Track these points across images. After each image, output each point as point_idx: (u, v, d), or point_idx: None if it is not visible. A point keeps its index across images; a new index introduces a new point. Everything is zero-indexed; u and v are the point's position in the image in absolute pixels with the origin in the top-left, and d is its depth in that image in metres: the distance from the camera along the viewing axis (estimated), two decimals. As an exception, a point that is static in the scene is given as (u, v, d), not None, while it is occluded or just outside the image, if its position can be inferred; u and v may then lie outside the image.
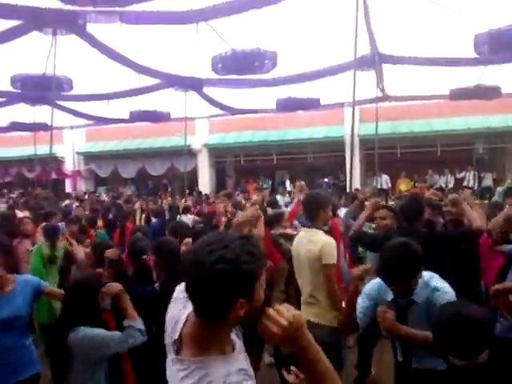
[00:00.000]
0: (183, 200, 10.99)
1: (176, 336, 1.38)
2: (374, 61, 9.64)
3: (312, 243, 3.40)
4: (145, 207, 10.08)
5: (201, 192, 15.67)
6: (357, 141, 14.64)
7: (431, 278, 2.51)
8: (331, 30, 8.90)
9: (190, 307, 1.39)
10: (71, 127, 18.84)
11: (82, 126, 18.43)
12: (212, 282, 1.23)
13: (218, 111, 14.85)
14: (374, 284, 2.70)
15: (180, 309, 1.46)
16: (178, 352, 1.36)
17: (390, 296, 2.54)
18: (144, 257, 3.67)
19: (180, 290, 1.53)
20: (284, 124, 17.38)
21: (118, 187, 19.63)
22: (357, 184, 15.44)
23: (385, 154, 14.13)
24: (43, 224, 5.87)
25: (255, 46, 7.73)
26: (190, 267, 1.27)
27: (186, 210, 8.38)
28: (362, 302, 2.70)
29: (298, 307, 3.96)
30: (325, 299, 3.29)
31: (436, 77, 10.84)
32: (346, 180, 16.90)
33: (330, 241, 3.39)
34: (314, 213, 3.56)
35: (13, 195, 16.82)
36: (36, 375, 2.97)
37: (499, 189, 12.17)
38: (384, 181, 16.04)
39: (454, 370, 1.76)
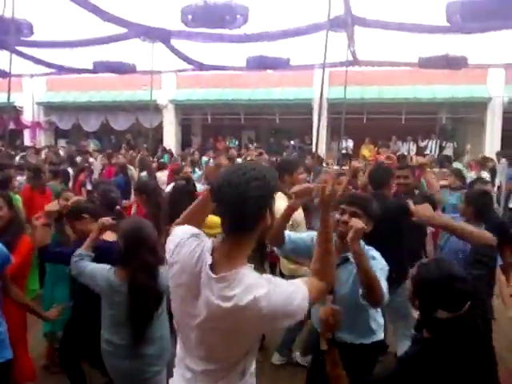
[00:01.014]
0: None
1: (209, 261, 1.56)
2: (347, 22, 9.53)
3: None
4: (106, 162, 9.92)
5: (165, 149, 15.46)
6: (325, 104, 14.68)
7: (370, 249, 2.67)
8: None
9: (207, 240, 1.65)
10: (31, 75, 17.89)
11: (42, 74, 17.53)
12: (250, 196, 1.48)
13: (186, 66, 14.44)
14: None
15: (195, 245, 1.63)
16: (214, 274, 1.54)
17: None
18: (118, 207, 3.64)
19: (181, 233, 1.72)
20: (253, 83, 17.12)
21: (79, 141, 19.05)
22: (322, 148, 15.57)
23: (352, 119, 14.24)
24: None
25: (227, -1, 7.49)
26: (227, 189, 1.50)
27: (162, 167, 8.46)
28: (305, 234, 2.85)
29: None
30: None
31: (406, 44, 10.85)
32: (311, 143, 17.01)
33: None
34: (280, 178, 3.78)
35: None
36: (9, 360, 2.69)
37: (456, 164, 12.37)
38: (349, 146, 16.26)
39: (436, 323, 1.92)
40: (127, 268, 2.63)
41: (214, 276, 1.53)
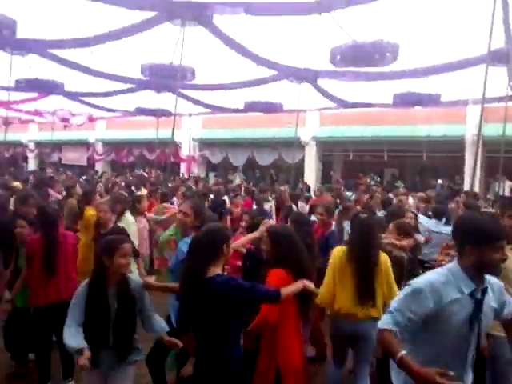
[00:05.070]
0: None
1: None
2: (508, 56, 8.82)
3: None
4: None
5: (305, 184, 15.71)
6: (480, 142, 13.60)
7: None
8: (458, 22, 8.34)
9: None
10: (190, 114, 19.89)
11: (199, 113, 19.38)
12: None
13: (330, 103, 14.67)
14: (440, 275, 2.30)
15: None
16: None
17: (466, 289, 2.24)
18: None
19: None
20: (398, 119, 16.65)
21: (226, 174, 20.42)
22: (476, 189, 14.38)
23: (510, 158, 12.94)
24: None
25: (377, 37, 7.50)
26: None
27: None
28: (414, 302, 2.26)
29: None
30: None
31: None
32: (462, 183, 15.82)
33: None
34: None
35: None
36: None
37: None
38: (507, 187, 14.71)
39: None
40: None
41: None
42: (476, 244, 2.21)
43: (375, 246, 3.69)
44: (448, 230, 6.26)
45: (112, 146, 24.60)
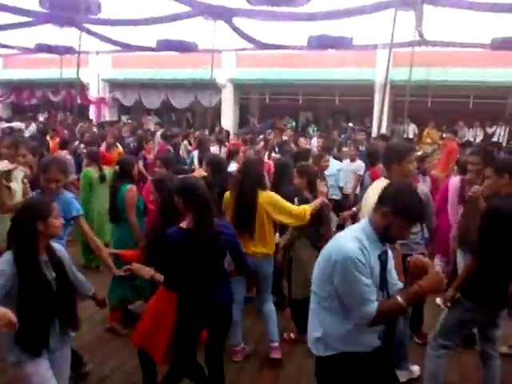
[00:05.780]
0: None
1: None
2: (416, 1, 9.12)
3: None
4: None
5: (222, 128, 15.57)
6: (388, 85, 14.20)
7: None
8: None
9: None
10: (97, 52, 18.50)
11: (108, 51, 18.10)
12: None
13: (247, 44, 14.39)
14: (357, 243, 2.21)
15: None
16: None
17: (378, 250, 2.27)
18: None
19: None
20: (313, 63, 16.80)
21: (140, 117, 19.59)
22: (383, 131, 15.14)
23: (415, 102, 13.68)
24: (87, 150, 6.67)
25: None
26: None
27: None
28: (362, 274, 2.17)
29: None
30: None
31: (478, 24, 10.28)
32: (371, 126, 16.57)
33: None
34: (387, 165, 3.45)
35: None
36: None
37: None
38: (411, 130, 15.67)
39: None
40: None
41: None
42: (396, 213, 2.19)
43: (251, 183, 3.72)
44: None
45: (11, 86, 22.45)
